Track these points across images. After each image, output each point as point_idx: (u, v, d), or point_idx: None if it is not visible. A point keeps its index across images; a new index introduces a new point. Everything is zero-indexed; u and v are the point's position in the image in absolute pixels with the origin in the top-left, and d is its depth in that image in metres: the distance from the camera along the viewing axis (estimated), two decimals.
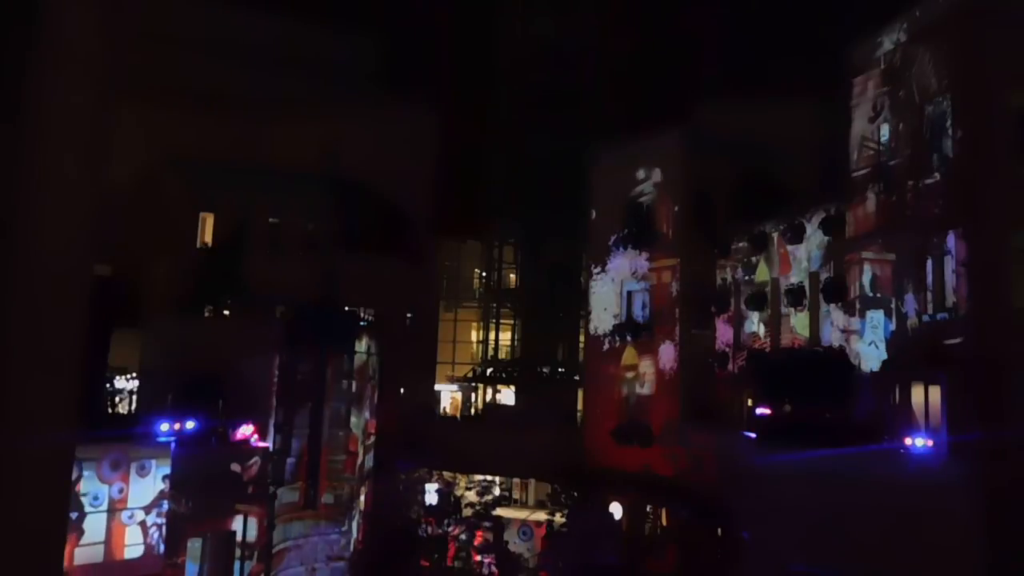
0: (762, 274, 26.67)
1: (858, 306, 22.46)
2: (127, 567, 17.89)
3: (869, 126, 22.57)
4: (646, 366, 29.44)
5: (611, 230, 30.87)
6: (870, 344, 21.96)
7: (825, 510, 18.53)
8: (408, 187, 33.68)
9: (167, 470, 19.12)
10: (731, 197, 27.82)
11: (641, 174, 30.14)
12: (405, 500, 28.52)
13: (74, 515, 16.85)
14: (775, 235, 26.17)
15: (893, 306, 21.32)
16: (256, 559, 21.72)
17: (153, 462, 18.70)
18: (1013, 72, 18.65)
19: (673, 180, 29.12)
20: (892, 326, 21.33)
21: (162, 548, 18.80)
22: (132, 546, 18.11)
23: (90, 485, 17.67)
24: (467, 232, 43.62)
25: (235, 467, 21.42)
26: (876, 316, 22.05)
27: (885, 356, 21.31)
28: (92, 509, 17.71)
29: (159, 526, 18.75)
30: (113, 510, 18.05)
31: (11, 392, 8.05)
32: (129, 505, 18.24)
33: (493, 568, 28.47)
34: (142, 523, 18.59)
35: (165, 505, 18.97)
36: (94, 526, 17.81)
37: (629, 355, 29.86)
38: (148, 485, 18.69)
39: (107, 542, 17.88)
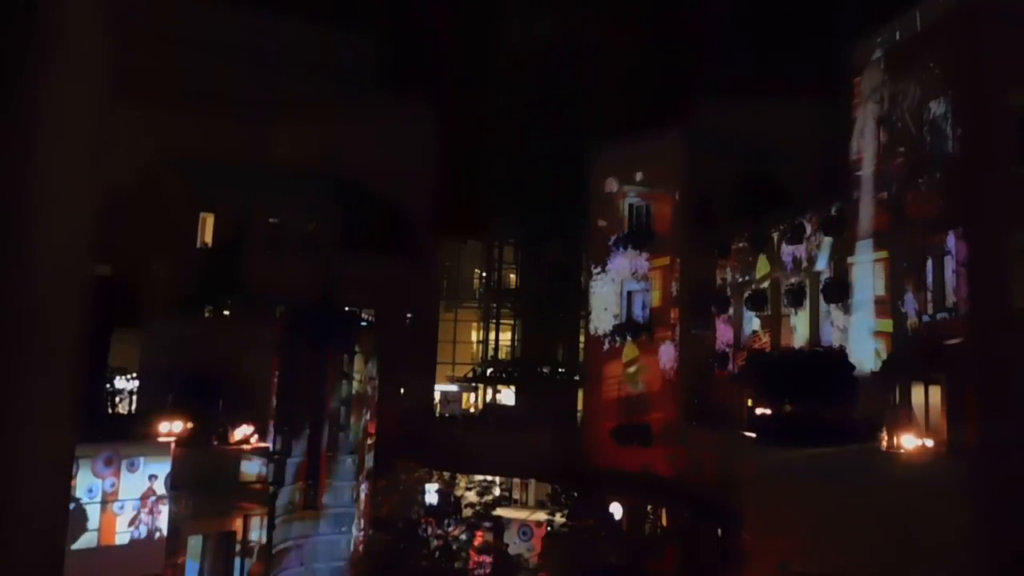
0: (763, 267, 26.57)
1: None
2: (118, 552, 19.24)
3: (869, 126, 22.57)
4: (646, 365, 29.44)
5: (611, 230, 30.87)
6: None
7: (824, 510, 18.54)
8: (408, 187, 33.66)
9: (154, 467, 19.75)
10: (731, 197, 27.82)
11: (641, 174, 30.14)
12: (405, 500, 28.49)
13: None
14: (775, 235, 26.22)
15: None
16: (256, 559, 21.73)
17: (142, 459, 19.73)
18: (1013, 72, 18.65)
19: (673, 180, 29.11)
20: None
21: (145, 534, 19.63)
22: (122, 533, 19.42)
23: (85, 479, 18.69)
24: (467, 232, 43.63)
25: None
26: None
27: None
28: (86, 501, 18.83)
29: (149, 517, 19.68)
30: (106, 502, 19.18)
31: (11, 392, 8.03)
32: (120, 497, 19.46)
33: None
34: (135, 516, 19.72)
35: (152, 498, 19.72)
36: (88, 516, 18.95)
37: (629, 350, 29.81)
38: (138, 480, 19.73)
39: (100, 530, 19.04)
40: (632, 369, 29.71)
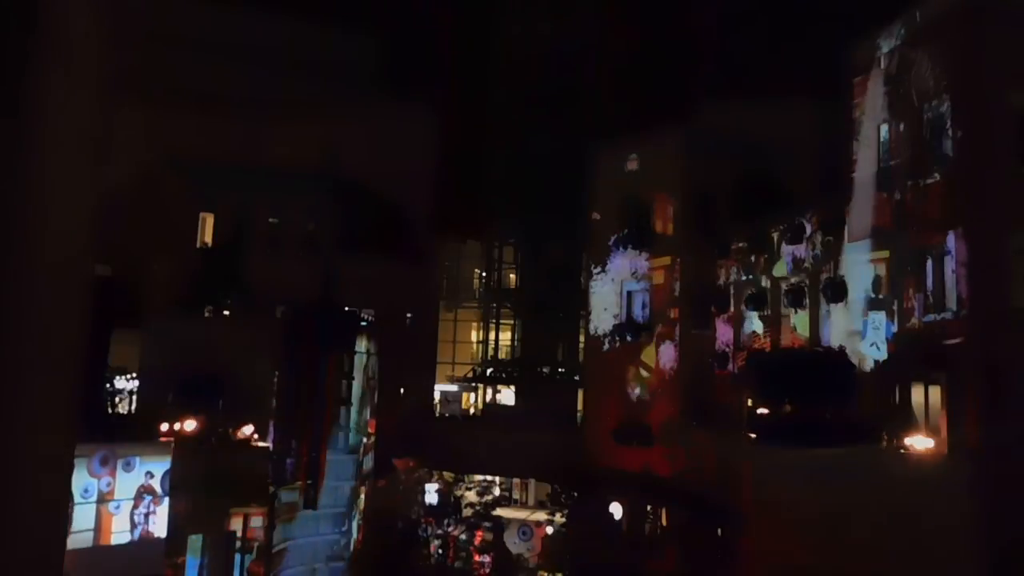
0: (779, 270, 26.49)
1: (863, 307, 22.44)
2: (118, 552, 19.36)
3: (869, 126, 22.57)
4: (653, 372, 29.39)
5: (611, 230, 30.85)
6: (871, 345, 21.96)
7: (825, 510, 18.55)
8: (408, 187, 33.65)
9: (152, 467, 19.80)
10: (731, 197, 27.79)
11: (641, 174, 30.12)
12: (405, 500, 28.50)
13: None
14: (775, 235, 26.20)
15: (895, 307, 21.30)
16: (256, 558, 21.75)
17: (137, 458, 19.65)
18: (1013, 72, 18.65)
19: (673, 180, 29.10)
20: (894, 327, 21.32)
21: (144, 534, 19.67)
22: (120, 533, 19.54)
23: (80, 479, 18.70)
24: (467, 232, 43.57)
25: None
26: (878, 317, 22.05)
27: (885, 356, 21.32)
28: (82, 500, 18.85)
29: (144, 515, 19.72)
30: (102, 501, 19.29)
31: (10, 392, 8.02)
32: (116, 497, 19.57)
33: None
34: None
35: (150, 498, 19.78)
36: (84, 516, 19.02)
37: (648, 354, 29.57)
38: (135, 480, 19.86)
39: (96, 529, 19.19)
40: (646, 374, 29.58)
